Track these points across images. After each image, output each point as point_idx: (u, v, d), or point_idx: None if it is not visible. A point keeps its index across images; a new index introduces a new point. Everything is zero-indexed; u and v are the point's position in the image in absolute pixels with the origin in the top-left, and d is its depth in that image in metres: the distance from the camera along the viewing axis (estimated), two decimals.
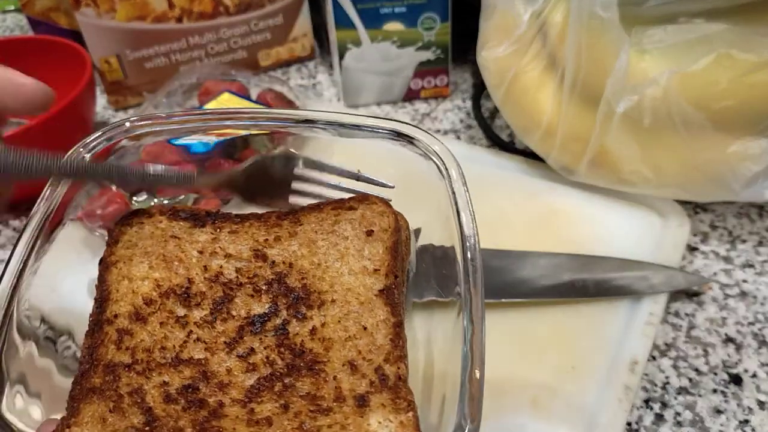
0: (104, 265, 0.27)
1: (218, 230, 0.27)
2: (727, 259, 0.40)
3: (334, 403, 0.22)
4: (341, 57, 0.52)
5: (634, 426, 0.32)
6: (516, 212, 0.42)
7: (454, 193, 0.26)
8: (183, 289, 0.25)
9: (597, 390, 0.32)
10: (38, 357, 0.27)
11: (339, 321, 0.24)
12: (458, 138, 0.51)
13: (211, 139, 0.43)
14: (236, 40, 0.57)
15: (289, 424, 0.21)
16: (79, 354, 0.27)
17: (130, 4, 0.51)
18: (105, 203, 0.38)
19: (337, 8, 0.49)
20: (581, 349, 0.34)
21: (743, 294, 0.38)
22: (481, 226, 0.41)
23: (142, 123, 0.29)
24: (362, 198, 0.28)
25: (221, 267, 0.26)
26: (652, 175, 0.38)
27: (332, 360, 0.23)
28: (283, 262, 0.26)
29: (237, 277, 0.26)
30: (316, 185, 0.30)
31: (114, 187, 0.38)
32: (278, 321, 0.25)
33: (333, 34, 0.51)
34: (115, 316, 0.25)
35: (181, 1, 0.53)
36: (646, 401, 0.33)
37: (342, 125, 0.29)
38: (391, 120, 0.29)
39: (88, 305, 0.38)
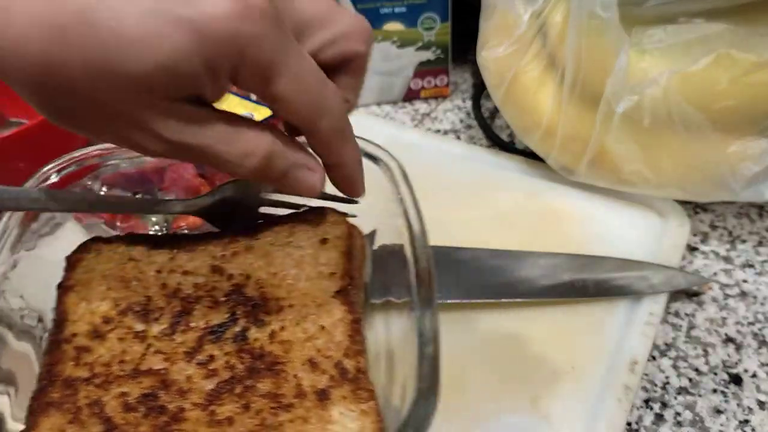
0: (62, 290, 0.28)
1: (175, 250, 0.28)
2: (727, 259, 0.40)
3: (296, 399, 0.23)
4: None
5: (634, 426, 0.32)
6: (516, 212, 0.42)
7: (400, 195, 0.28)
8: (141, 306, 0.26)
9: (597, 390, 0.32)
10: (35, 356, 0.28)
11: (297, 323, 0.25)
12: (458, 138, 0.51)
13: None
14: None
15: (251, 421, 0.22)
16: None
17: None
18: None
19: None
20: (581, 348, 0.34)
21: (743, 294, 0.38)
22: (481, 226, 0.41)
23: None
24: (316, 210, 0.29)
25: (179, 283, 0.27)
26: (652, 175, 0.38)
27: (292, 360, 0.24)
28: (240, 274, 0.27)
29: (195, 291, 0.27)
30: (283, 208, 0.30)
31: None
32: (237, 329, 0.25)
33: None
34: (73, 335, 0.26)
35: None
36: (646, 401, 0.33)
37: None
38: None
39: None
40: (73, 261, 0.28)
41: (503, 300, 0.36)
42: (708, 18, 0.34)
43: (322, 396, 0.23)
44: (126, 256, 0.28)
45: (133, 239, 0.29)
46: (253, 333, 0.25)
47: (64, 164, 0.31)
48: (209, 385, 0.23)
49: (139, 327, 0.25)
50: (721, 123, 0.35)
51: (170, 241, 0.29)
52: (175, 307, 0.26)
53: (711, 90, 0.34)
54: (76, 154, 0.31)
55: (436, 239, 0.39)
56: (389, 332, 0.29)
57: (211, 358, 0.24)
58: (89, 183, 0.31)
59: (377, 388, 0.24)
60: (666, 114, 0.35)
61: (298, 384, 0.23)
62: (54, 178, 0.30)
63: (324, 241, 0.27)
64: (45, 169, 0.30)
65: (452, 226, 0.41)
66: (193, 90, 0.19)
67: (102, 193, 0.32)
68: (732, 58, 0.33)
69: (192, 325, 0.25)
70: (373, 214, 0.30)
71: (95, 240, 0.29)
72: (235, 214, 0.30)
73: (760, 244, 0.41)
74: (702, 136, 0.35)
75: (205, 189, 0.40)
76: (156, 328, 0.25)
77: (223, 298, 0.26)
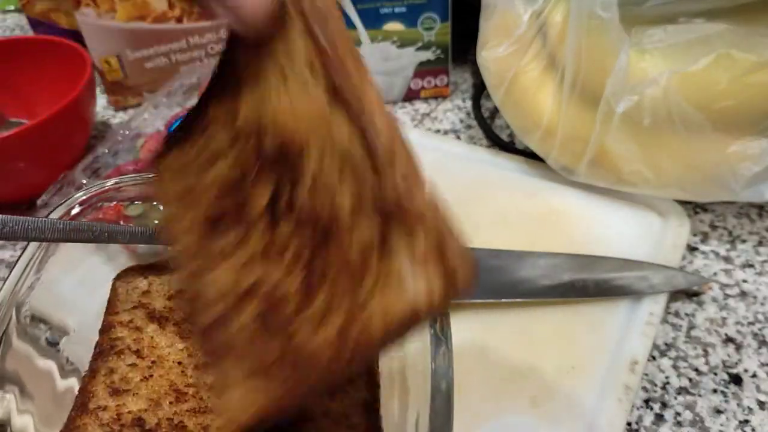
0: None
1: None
2: (727, 259, 0.40)
3: (363, 259, 0.18)
4: None
5: (634, 426, 0.32)
6: (516, 212, 0.42)
7: None
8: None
9: (597, 390, 0.32)
10: (38, 359, 0.28)
11: (321, 158, 0.19)
12: (458, 138, 0.51)
13: None
14: None
15: (338, 315, 0.18)
16: (77, 354, 0.28)
17: (131, 4, 0.52)
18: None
19: None
20: (581, 348, 0.34)
21: (743, 294, 0.38)
22: (480, 226, 0.41)
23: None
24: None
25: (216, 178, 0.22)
26: (651, 175, 0.38)
27: (337, 209, 0.19)
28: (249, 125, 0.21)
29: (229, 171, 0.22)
30: None
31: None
32: (285, 198, 0.20)
33: None
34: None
35: (182, 1, 0.53)
36: (646, 401, 0.33)
37: None
38: None
39: (88, 307, 0.38)
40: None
41: (503, 300, 0.36)
42: (708, 18, 0.34)
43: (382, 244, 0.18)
44: None
45: None
46: (297, 193, 0.20)
47: (89, 196, 0.31)
48: (295, 281, 0.19)
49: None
50: (721, 123, 0.35)
51: None
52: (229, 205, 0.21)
53: (711, 90, 0.34)
54: (97, 187, 0.31)
55: None
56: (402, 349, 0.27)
57: (285, 247, 0.20)
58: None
59: (388, 416, 0.22)
60: (666, 114, 0.35)
61: (359, 238, 0.18)
62: (77, 209, 0.31)
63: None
64: (70, 200, 0.30)
65: None
66: None
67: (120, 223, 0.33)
68: (732, 58, 0.33)
69: (250, 218, 0.21)
70: None
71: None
72: None
73: (760, 244, 0.41)
74: (702, 136, 0.35)
75: None
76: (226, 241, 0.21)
77: (253, 169, 0.21)
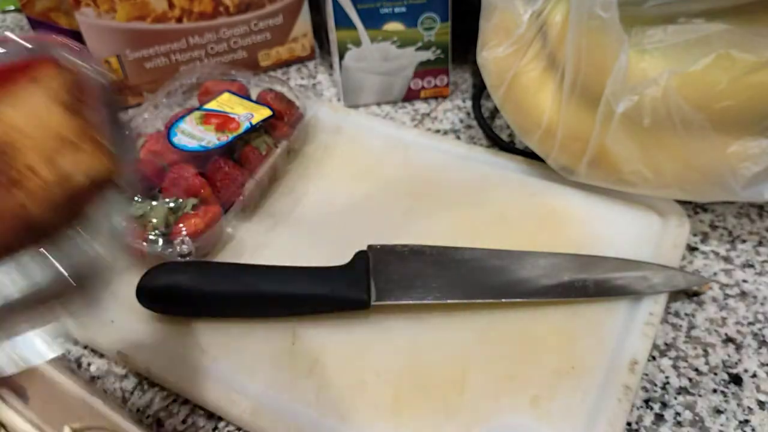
0: None
1: None
2: (727, 259, 0.40)
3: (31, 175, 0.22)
4: (341, 57, 0.52)
5: (634, 426, 0.32)
6: (516, 212, 0.42)
7: None
8: None
9: (597, 390, 0.32)
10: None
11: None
12: (458, 138, 0.51)
13: (212, 139, 0.43)
14: (236, 40, 0.57)
15: None
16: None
17: (130, 4, 0.52)
18: None
19: (338, 8, 0.49)
20: (581, 348, 0.34)
21: (743, 294, 0.38)
22: (481, 225, 0.41)
23: None
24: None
25: None
26: (651, 176, 0.38)
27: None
28: None
29: None
30: None
31: None
32: None
33: (333, 35, 0.51)
34: None
35: (181, 1, 0.53)
36: (646, 401, 0.33)
37: None
38: None
39: None
40: None
41: (503, 300, 0.36)
42: (708, 18, 0.34)
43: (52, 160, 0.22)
44: None
45: None
46: None
47: None
48: None
49: None
50: (721, 123, 0.35)
51: None
52: None
53: (711, 90, 0.34)
54: None
55: (436, 239, 0.39)
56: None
57: None
58: None
59: None
60: (666, 114, 0.35)
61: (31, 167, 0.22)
62: None
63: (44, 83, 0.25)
64: None
65: (452, 226, 0.41)
66: None
67: None
68: (732, 59, 0.33)
69: None
70: None
71: None
72: None
73: (760, 244, 0.41)
74: (702, 136, 0.35)
75: (205, 190, 0.40)
76: None
77: None
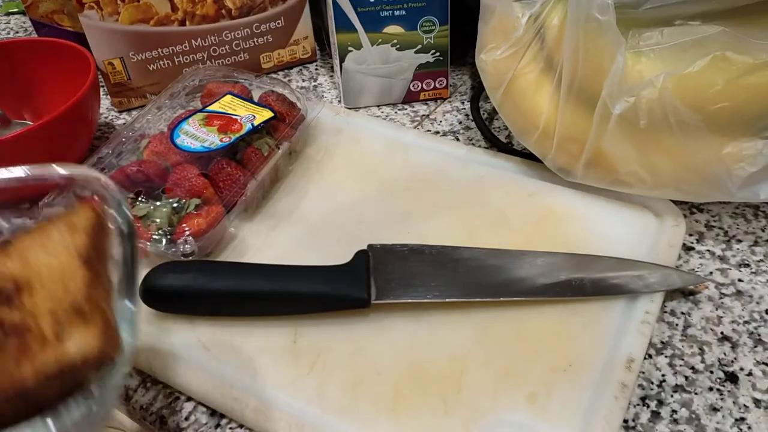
0: None
1: None
2: (722, 259, 0.40)
3: (38, 344, 0.24)
4: (342, 59, 0.52)
5: (631, 423, 0.32)
6: (514, 212, 0.42)
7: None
8: None
9: (594, 387, 0.32)
10: None
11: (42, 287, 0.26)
12: (457, 139, 0.51)
13: (214, 141, 0.43)
14: (238, 43, 0.58)
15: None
16: None
17: (134, 6, 0.52)
18: None
19: (338, 11, 0.49)
20: (578, 347, 0.34)
21: (739, 293, 0.38)
22: (479, 225, 0.42)
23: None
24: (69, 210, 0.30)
25: None
26: (648, 176, 0.38)
27: (37, 317, 0.25)
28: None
29: None
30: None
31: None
32: None
33: (334, 37, 0.51)
34: None
35: (184, 4, 0.54)
36: (643, 399, 0.33)
37: None
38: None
39: None
40: None
41: (501, 299, 0.36)
42: (704, 20, 0.35)
43: (60, 333, 0.24)
44: None
45: None
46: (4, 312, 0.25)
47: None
48: None
49: None
50: (716, 124, 0.35)
51: None
52: None
53: (707, 92, 0.34)
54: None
55: (435, 239, 0.39)
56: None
57: None
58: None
59: None
60: (662, 115, 0.35)
61: (40, 331, 0.24)
62: None
63: (73, 227, 0.28)
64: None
65: (451, 226, 0.42)
66: None
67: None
68: (728, 60, 0.34)
69: None
70: None
71: None
72: None
73: (755, 243, 0.41)
74: (698, 137, 0.36)
75: (208, 190, 0.41)
76: None
77: None
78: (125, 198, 0.29)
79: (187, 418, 0.34)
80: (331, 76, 0.61)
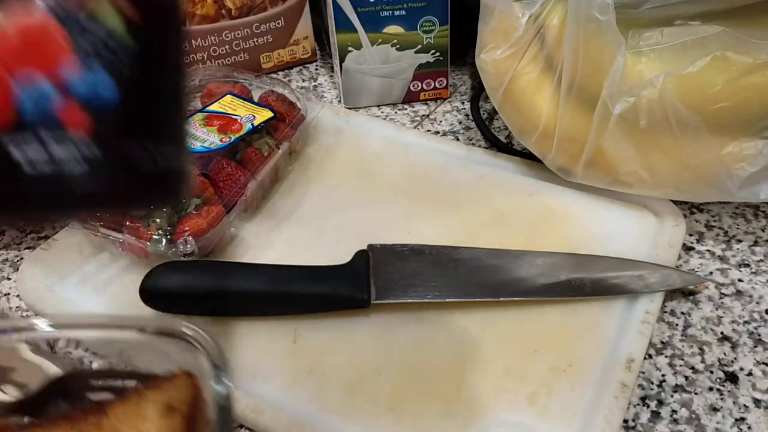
0: None
1: None
2: (722, 259, 0.40)
3: None
4: (342, 59, 0.52)
5: (631, 423, 0.32)
6: (513, 212, 0.42)
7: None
8: None
9: (594, 387, 0.32)
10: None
11: None
12: (457, 139, 0.51)
13: (214, 141, 0.43)
14: (238, 43, 0.58)
15: None
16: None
17: None
18: None
19: (338, 12, 0.49)
20: (578, 347, 0.34)
21: (739, 293, 0.38)
22: (479, 225, 0.42)
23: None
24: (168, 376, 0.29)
25: None
26: (648, 176, 0.38)
27: None
28: None
29: None
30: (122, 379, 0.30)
31: None
32: None
33: (334, 37, 0.51)
34: None
35: (184, 4, 0.54)
36: (643, 399, 0.33)
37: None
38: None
39: (87, 304, 0.39)
40: None
41: (501, 299, 0.36)
42: (704, 20, 0.35)
43: None
44: None
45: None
46: None
47: None
48: None
49: None
50: (716, 124, 0.35)
51: (19, 428, 0.28)
52: None
53: (707, 92, 0.34)
54: None
55: (434, 239, 0.39)
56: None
57: None
58: None
59: None
60: (662, 115, 0.35)
61: None
62: None
63: (170, 408, 0.28)
64: None
65: (451, 226, 0.42)
66: None
67: None
68: (727, 60, 0.34)
69: None
70: None
71: None
72: (62, 405, 0.29)
73: (755, 243, 0.41)
74: (698, 137, 0.36)
75: (208, 190, 0.41)
76: None
77: None
78: (225, 366, 0.28)
79: None
80: (331, 76, 0.61)
